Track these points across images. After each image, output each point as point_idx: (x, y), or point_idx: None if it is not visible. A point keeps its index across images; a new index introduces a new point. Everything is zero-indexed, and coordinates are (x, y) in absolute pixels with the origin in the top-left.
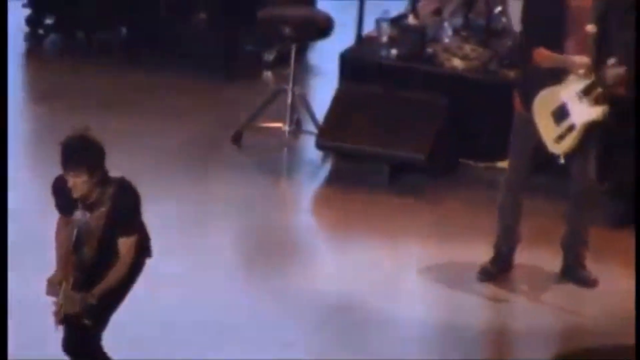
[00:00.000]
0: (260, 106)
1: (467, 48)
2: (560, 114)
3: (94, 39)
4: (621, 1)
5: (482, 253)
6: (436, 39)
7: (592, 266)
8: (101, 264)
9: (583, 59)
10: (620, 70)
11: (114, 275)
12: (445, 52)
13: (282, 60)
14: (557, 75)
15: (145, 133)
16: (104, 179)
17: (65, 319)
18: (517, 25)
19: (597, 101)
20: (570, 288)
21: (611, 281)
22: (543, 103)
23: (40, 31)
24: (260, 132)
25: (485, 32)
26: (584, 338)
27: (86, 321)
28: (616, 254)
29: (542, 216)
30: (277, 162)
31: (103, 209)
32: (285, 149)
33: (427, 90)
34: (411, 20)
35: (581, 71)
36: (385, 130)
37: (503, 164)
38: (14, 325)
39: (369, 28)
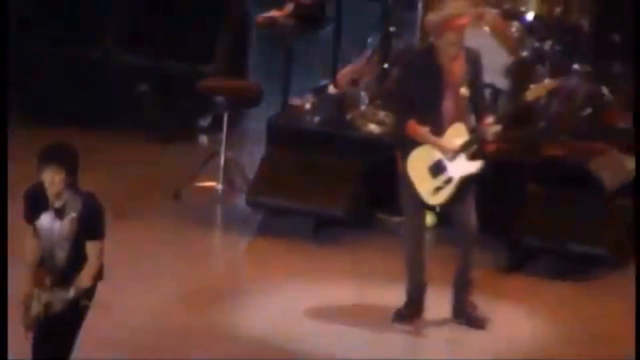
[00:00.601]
0: (198, 167)
1: (382, 114)
2: (437, 169)
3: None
4: (479, 66)
5: (393, 296)
6: (354, 107)
7: (484, 307)
8: (73, 266)
9: (450, 144)
10: (498, 128)
11: (86, 275)
12: (362, 118)
13: (215, 126)
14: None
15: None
16: (75, 185)
17: (41, 322)
18: None
19: (473, 157)
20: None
21: (502, 321)
22: (418, 159)
23: None
24: (197, 190)
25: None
26: None
27: (86, 302)
28: (507, 295)
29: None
30: (211, 216)
31: (74, 215)
32: (219, 205)
33: (347, 152)
34: (331, 90)
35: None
36: (309, 189)
37: None
38: None
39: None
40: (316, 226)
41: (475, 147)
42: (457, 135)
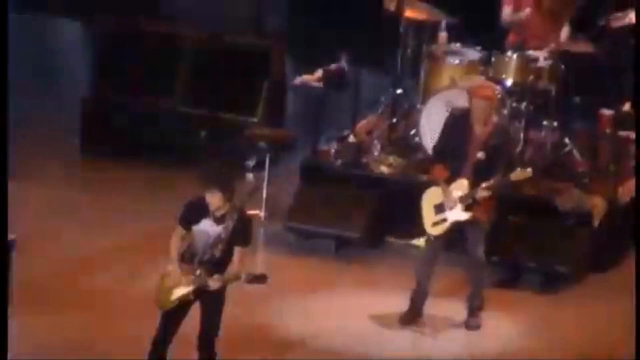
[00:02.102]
0: (245, 199)
1: (391, 159)
2: (439, 208)
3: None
4: (505, 140)
5: (399, 303)
6: (369, 152)
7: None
8: (222, 262)
9: (451, 194)
10: (487, 193)
11: (232, 269)
12: (375, 161)
13: (259, 165)
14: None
15: (157, 209)
16: (232, 200)
17: (181, 305)
18: (427, 143)
19: (466, 208)
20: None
21: (495, 326)
22: (430, 196)
23: (87, 144)
24: None
25: (403, 147)
26: None
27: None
28: (501, 307)
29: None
30: (256, 238)
31: (230, 223)
32: (262, 230)
33: (362, 188)
34: (351, 138)
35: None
36: (332, 217)
37: (416, 242)
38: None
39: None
40: (337, 246)
41: (469, 201)
42: (459, 188)
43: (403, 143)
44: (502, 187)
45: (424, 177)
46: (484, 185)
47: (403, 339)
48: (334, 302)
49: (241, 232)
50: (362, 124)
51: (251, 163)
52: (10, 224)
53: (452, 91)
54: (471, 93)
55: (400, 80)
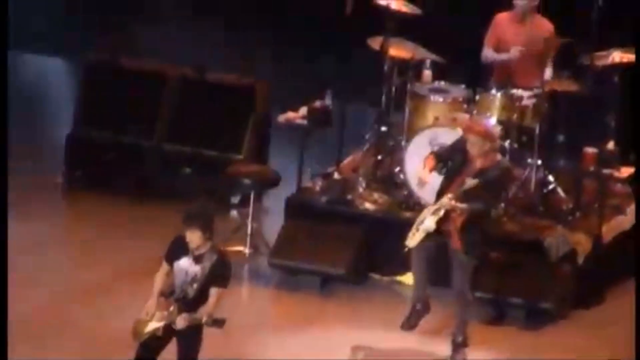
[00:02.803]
0: (229, 235)
1: (376, 195)
2: (421, 221)
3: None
4: (500, 177)
5: (385, 337)
6: (354, 189)
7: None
8: (196, 301)
9: (431, 208)
10: (452, 202)
11: (206, 310)
12: (360, 198)
13: (243, 202)
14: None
15: (139, 247)
16: (212, 240)
17: (152, 338)
18: (411, 180)
19: (436, 220)
20: None
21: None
22: (423, 213)
23: (71, 180)
24: (228, 253)
25: (388, 184)
26: None
27: (210, 325)
28: (485, 343)
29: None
30: (240, 274)
31: (208, 264)
32: (246, 266)
33: (347, 224)
34: (336, 175)
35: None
36: (317, 253)
37: (401, 278)
38: None
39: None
40: (322, 282)
41: (440, 213)
42: (441, 204)
43: (388, 180)
44: (468, 208)
45: (408, 214)
46: (449, 195)
47: None
48: (318, 338)
49: (219, 273)
50: (347, 161)
51: (235, 200)
52: None
53: (436, 129)
54: (465, 130)
55: (385, 117)
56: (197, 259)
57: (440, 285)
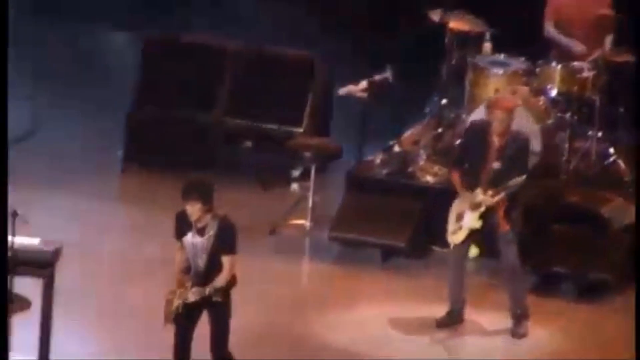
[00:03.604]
0: (290, 208)
1: (436, 168)
2: (460, 216)
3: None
4: (522, 147)
5: (443, 310)
6: (414, 162)
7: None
8: (210, 273)
9: (475, 199)
10: (496, 198)
11: (219, 280)
12: (421, 171)
13: (304, 175)
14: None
15: None
16: (213, 211)
17: (180, 315)
18: None
19: (479, 217)
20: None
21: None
22: (456, 206)
23: (130, 157)
24: (289, 227)
25: (448, 157)
26: None
27: (216, 298)
28: (538, 315)
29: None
30: (301, 248)
31: (212, 233)
32: (307, 239)
33: (408, 197)
34: (397, 148)
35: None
36: (378, 226)
37: None
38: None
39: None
40: (383, 256)
41: (482, 209)
42: (476, 197)
43: (449, 152)
44: (507, 193)
45: None
46: (490, 192)
47: (443, 347)
48: (379, 311)
49: (224, 241)
50: (408, 134)
51: (296, 173)
52: (53, 234)
53: None
54: (491, 105)
55: (445, 90)
56: (201, 231)
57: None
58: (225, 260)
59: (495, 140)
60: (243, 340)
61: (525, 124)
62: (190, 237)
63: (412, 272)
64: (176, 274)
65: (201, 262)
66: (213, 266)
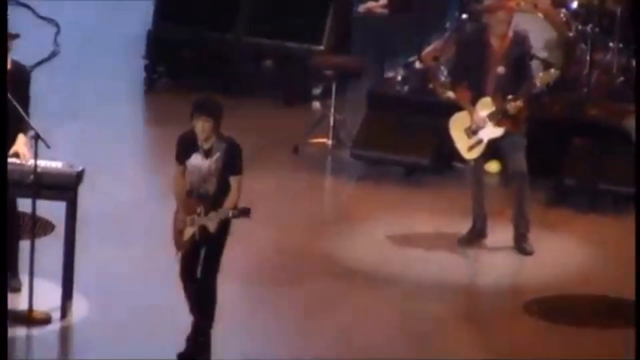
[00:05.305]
0: (311, 126)
1: None
2: (471, 131)
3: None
4: (526, 48)
5: (465, 225)
6: (435, 78)
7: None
8: (219, 195)
9: (477, 115)
10: (520, 103)
11: (230, 201)
12: (442, 87)
13: (326, 93)
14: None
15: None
16: (219, 132)
17: (193, 243)
18: None
19: (498, 124)
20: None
21: (548, 248)
22: (457, 123)
23: (154, 76)
24: (311, 145)
25: None
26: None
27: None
28: (552, 226)
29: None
30: (323, 166)
31: (218, 154)
32: (329, 157)
33: (429, 114)
34: (418, 65)
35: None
36: (400, 143)
37: (486, 167)
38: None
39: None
40: (406, 172)
41: (499, 117)
42: (484, 107)
43: None
44: (531, 94)
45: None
46: (510, 97)
47: (465, 262)
48: (402, 227)
49: (231, 161)
50: (428, 50)
51: (317, 91)
52: (77, 157)
53: (517, 14)
54: (489, 8)
55: (465, 5)
56: (207, 153)
57: None
58: (234, 180)
59: (495, 44)
60: (265, 258)
61: (546, 36)
62: (195, 160)
63: (433, 188)
64: (180, 199)
65: (211, 186)
66: (221, 189)
